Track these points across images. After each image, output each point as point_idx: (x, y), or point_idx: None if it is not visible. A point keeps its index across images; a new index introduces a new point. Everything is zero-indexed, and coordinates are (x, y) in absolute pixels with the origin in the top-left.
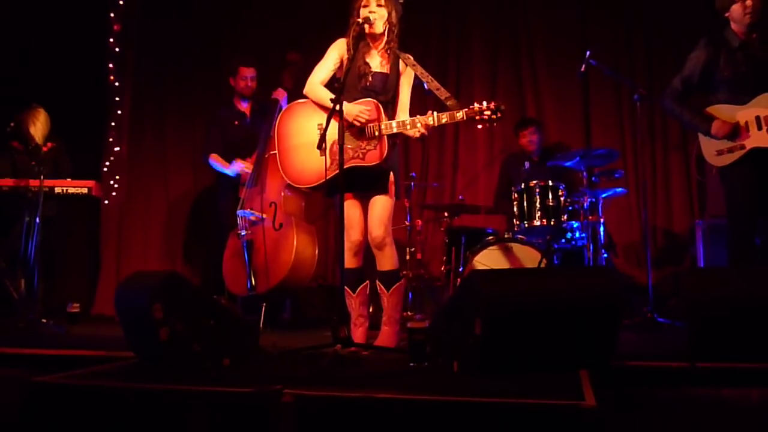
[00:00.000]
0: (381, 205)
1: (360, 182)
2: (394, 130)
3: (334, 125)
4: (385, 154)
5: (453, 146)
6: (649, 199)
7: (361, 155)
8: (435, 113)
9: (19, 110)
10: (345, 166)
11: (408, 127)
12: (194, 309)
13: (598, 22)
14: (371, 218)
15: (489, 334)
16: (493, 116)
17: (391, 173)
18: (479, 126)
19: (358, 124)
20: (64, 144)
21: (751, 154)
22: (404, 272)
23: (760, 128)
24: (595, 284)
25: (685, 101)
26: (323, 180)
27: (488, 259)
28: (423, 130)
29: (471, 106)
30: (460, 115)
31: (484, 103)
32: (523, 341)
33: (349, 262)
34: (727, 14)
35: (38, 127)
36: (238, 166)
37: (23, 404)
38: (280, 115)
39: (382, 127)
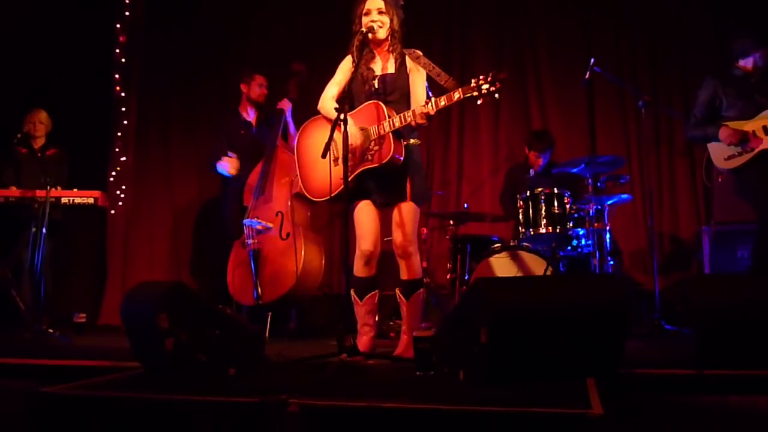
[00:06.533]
0: (404, 213)
1: (378, 187)
2: (396, 125)
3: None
4: (391, 151)
5: (458, 154)
6: (655, 205)
7: (370, 157)
8: (433, 98)
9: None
10: (358, 171)
11: (408, 119)
12: (200, 319)
13: (602, 29)
14: (395, 227)
15: (495, 342)
16: (492, 88)
17: (409, 178)
18: (479, 101)
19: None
20: (67, 154)
21: (760, 157)
22: None
23: (767, 134)
24: (602, 292)
25: (701, 126)
26: (339, 189)
27: (494, 267)
28: (424, 120)
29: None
30: (456, 95)
31: (481, 76)
32: (529, 349)
33: (361, 270)
34: (743, 61)
35: (41, 121)
36: (225, 165)
37: (30, 415)
38: (297, 134)
39: (385, 125)
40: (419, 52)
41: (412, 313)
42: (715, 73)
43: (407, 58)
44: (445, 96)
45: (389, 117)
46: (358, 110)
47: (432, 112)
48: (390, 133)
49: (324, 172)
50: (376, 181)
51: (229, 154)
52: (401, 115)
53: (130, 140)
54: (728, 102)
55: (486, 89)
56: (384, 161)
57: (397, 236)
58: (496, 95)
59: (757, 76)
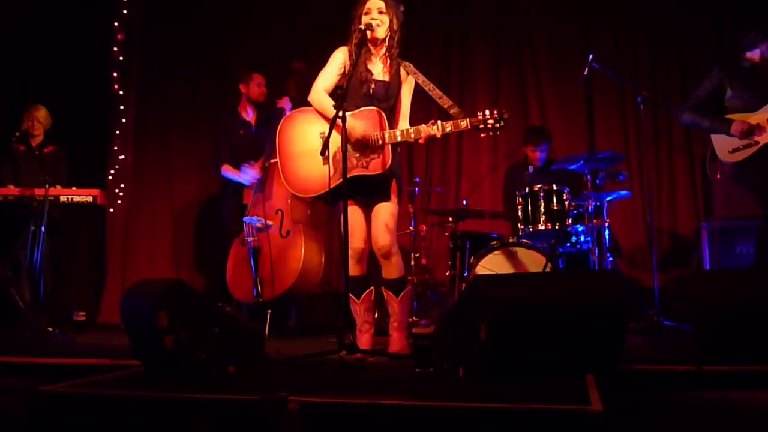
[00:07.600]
0: (385, 212)
1: (363, 190)
2: (398, 140)
3: (337, 133)
4: (388, 164)
5: (457, 151)
6: (654, 201)
7: (364, 164)
8: (439, 122)
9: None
10: (348, 175)
11: (412, 136)
12: (199, 317)
13: (601, 25)
14: (376, 227)
15: (494, 339)
16: (497, 125)
17: (394, 179)
18: (482, 135)
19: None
20: (66, 152)
21: (764, 150)
22: (409, 278)
23: None
24: (601, 288)
25: (701, 112)
26: (325, 189)
27: (493, 263)
28: (425, 141)
29: (475, 116)
30: (464, 124)
31: (488, 111)
32: (529, 346)
33: (353, 269)
34: (750, 52)
35: (39, 120)
36: (250, 173)
37: (30, 413)
38: (281, 123)
39: (386, 136)
40: (413, 68)
41: (403, 311)
42: (723, 65)
43: (402, 69)
44: (452, 122)
45: (389, 128)
46: (357, 112)
47: (438, 136)
48: (388, 145)
49: (307, 168)
50: (363, 183)
51: (251, 163)
52: (405, 130)
53: (128, 138)
54: (734, 93)
55: (491, 124)
56: (378, 172)
57: (380, 237)
58: (498, 132)
59: (765, 68)
